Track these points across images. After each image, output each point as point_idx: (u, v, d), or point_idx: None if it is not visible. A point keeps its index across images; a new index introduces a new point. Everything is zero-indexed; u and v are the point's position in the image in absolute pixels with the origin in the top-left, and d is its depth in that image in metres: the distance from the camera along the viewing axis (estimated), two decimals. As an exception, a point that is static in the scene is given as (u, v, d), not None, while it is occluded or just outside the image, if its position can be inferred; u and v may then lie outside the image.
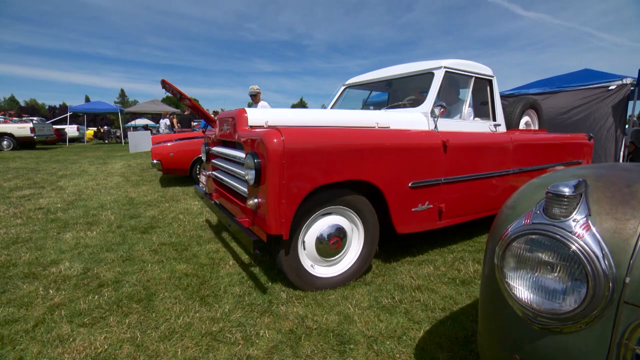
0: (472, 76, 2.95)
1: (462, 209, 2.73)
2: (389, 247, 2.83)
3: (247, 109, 2.28)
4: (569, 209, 0.78)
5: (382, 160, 2.14)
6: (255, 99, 5.72)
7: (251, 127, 2.20)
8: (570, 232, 0.75)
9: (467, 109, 2.91)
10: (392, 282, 2.21)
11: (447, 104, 2.93)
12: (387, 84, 3.43)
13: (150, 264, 2.49)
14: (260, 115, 2.24)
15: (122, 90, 75.89)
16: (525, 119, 4.03)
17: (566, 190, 0.78)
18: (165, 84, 6.31)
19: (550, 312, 0.77)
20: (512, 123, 3.66)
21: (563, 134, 3.86)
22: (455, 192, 2.60)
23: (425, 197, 2.40)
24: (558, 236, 0.76)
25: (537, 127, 4.15)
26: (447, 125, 2.68)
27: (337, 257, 2.17)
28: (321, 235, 2.08)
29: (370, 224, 2.22)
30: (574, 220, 0.77)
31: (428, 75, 2.81)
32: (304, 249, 2.08)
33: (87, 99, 67.10)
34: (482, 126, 3.00)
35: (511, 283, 0.86)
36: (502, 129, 3.15)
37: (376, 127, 2.40)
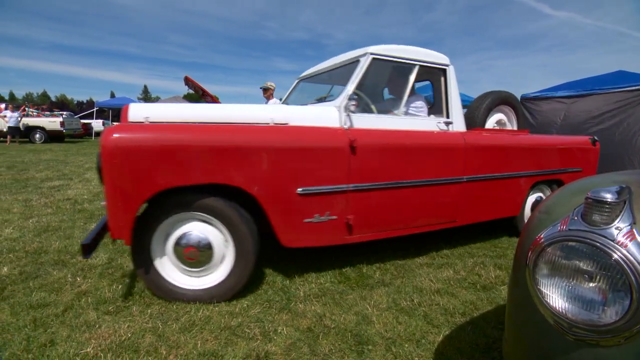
0: (414, 64, 2.51)
1: (386, 223, 2.33)
2: (404, 248, 2.79)
3: (132, 104, 2.05)
4: (611, 216, 0.74)
5: (257, 162, 1.87)
6: (266, 93, 5.53)
7: (131, 123, 1.94)
8: (612, 240, 0.71)
9: (404, 102, 2.49)
10: (411, 285, 2.17)
11: (384, 98, 2.54)
12: (328, 75, 3.02)
13: (171, 256, 2.55)
14: (142, 111, 1.99)
15: (145, 87, 78.52)
16: (497, 116, 3.43)
17: (608, 197, 0.74)
18: (188, 81, 6.37)
19: (588, 324, 0.74)
20: (476, 121, 3.13)
21: (554, 136, 3.39)
22: (373, 203, 2.22)
23: (323, 207, 2.07)
24: (598, 244, 0.73)
25: (515, 127, 3.52)
26: (371, 122, 2.29)
27: (201, 268, 1.95)
28: (178, 244, 1.89)
29: (243, 234, 1.91)
30: (616, 228, 0.72)
31: (355, 64, 2.42)
32: (161, 255, 1.92)
33: (112, 95, 69.46)
34: (425, 124, 2.55)
35: (544, 290, 0.82)
36: (458, 127, 2.65)
37: (271, 124, 2.07)
